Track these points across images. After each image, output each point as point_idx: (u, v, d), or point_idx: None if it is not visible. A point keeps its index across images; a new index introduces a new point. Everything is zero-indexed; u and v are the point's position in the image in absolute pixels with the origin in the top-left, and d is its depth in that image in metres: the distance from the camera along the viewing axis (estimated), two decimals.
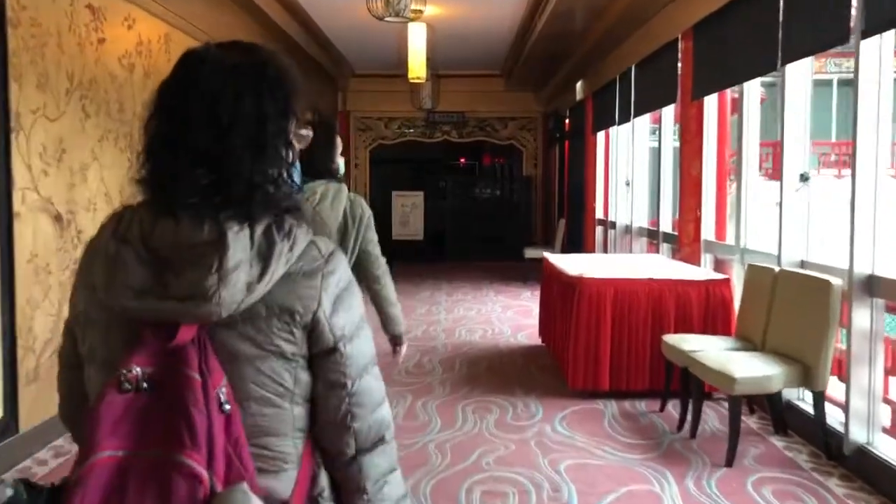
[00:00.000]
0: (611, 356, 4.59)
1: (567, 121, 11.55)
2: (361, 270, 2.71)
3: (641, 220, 7.53)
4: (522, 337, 6.60)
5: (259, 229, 1.00)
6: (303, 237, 1.04)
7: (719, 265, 5.52)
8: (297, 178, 1.22)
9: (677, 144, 5.93)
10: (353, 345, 1.07)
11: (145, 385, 0.93)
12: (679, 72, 5.85)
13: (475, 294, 9.29)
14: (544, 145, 13.60)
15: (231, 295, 0.95)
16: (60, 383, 1.17)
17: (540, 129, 13.62)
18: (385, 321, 2.80)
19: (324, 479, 1.10)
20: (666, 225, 6.67)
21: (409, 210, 13.61)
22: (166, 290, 0.95)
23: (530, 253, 10.52)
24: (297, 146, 1.11)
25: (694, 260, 5.60)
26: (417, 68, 8.66)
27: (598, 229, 9.58)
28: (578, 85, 10.03)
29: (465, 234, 13.44)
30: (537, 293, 9.44)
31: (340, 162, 2.81)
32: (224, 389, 0.96)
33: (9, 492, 0.93)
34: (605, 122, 8.83)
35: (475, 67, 12.89)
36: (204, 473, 0.89)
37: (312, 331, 1.03)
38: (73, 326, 1.10)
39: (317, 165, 2.64)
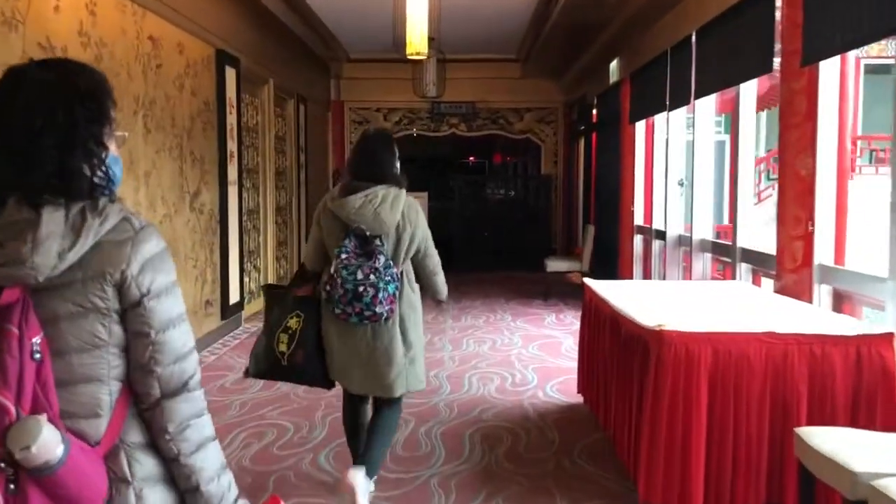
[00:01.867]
0: (708, 456, 2.95)
1: (595, 110, 9.89)
2: (417, 266, 3.09)
3: (704, 231, 5.86)
4: (554, 391, 4.95)
5: (74, 209, 1.20)
6: (115, 214, 1.23)
7: (841, 302, 3.86)
8: (120, 174, 1.34)
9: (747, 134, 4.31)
10: (158, 301, 1.24)
11: None
12: (778, 27, 4.20)
13: (488, 317, 7.64)
14: (566, 139, 11.93)
15: (44, 261, 1.15)
16: None
17: (561, 120, 11.96)
18: (431, 296, 3.21)
19: (137, 427, 1.26)
20: (745, 239, 5.00)
21: None
22: None
23: (554, 265, 8.87)
24: (113, 145, 1.32)
25: (802, 293, 3.94)
26: (417, 42, 7.02)
27: (637, 239, 7.92)
28: (612, 66, 8.36)
29: (474, 241, 11.76)
30: (563, 317, 7.86)
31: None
32: (38, 340, 1.15)
33: None
34: (649, 108, 7.16)
35: (486, 51, 11.25)
36: (10, 406, 1.09)
37: (121, 287, 1.22)
38: None
39: (380, 171, 3.01)
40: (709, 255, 5.82)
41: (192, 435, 1.27)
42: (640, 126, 7.88)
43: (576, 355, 5.64)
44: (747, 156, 5.08)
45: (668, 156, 6.69)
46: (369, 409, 3.23)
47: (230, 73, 6.60)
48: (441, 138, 12.42)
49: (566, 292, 9.18)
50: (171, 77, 5.44)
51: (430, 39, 7.48)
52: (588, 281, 4.45)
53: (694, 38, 5.67)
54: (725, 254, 5.42)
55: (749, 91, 5.05)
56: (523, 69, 11.60)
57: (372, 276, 2.83)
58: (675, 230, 6.51)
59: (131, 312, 1.23)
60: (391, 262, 2.92)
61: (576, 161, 11.70)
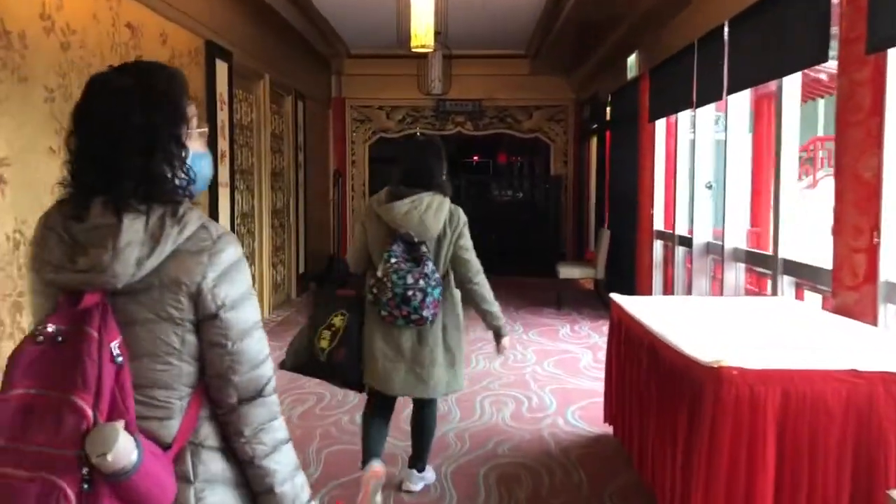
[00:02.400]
0: None
1: (608, 108, 9.39)
2: (456, 272, 3.14)
3: (737, 238, 5.36)
4: (576, 417, 4.45)
5: (154, 216, 1.22)
6: (193, 222, 1.24)
7: None
8: (207, 170, 1.39)
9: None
10: (234, 312, 1.26)
11: (59, 339, 1.15)
12: (835, 11, 3.70)
13: None
14: (576, 138, 11.43)
15: (123, 268, 1.18)
16: None
17: (571, 119, 11.46)
18: (483, 318, 3.24)
19: (206, 429, 1.29)
20: (788, 248, 4.51)
21: None
22: (75, 266, 1.19)
23: (566, 272, 8.37)
24: (197, 142, 1.35)
25: (864, 313, 3.44)
26: (423, 34, 6.54)
27: (657, 245, 7.42)
28: (630, 60, 7.86)
29: (480, 244, 11.11)
30: (579, 328, 7.32)
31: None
32: (117, 344, 1.16)
33: None
34: (672, 105, 6.67)
35: (494, 46, 10.77)
36: (88, 410, 1.10)
37: (196, 299, 1.23)
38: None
39: (427, 179, 3.06)
40: (742, 266, 5.32)
41: (267, 438, 1.31)
42: (661, 124, 7.39)
43: (596, 374, 5.16)
44: (790, 156, 4.57)
45: (695, 156, 6.19)
46: (386, 429, 3.29)
47: (221, 67, 6.11)
48: (446, 137, 11.92)
49: (579, 300, 8.69)
50: None
51: (436, 34, 7.00)
52: (617, 298, 3.95)
53: (727, 28, 5.17)
54: (763, 264, 4.93)
55: (793, 84, 4.55)
56: (532, 65, 11.10)
57: (421, 282, 2.92)
58: (702, 237, 6.01)
59: (207, 324, 1.25)
60: (436, 268, 3.00)
61: (587, 161, 11.21)
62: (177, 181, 1.26)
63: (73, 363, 1.12)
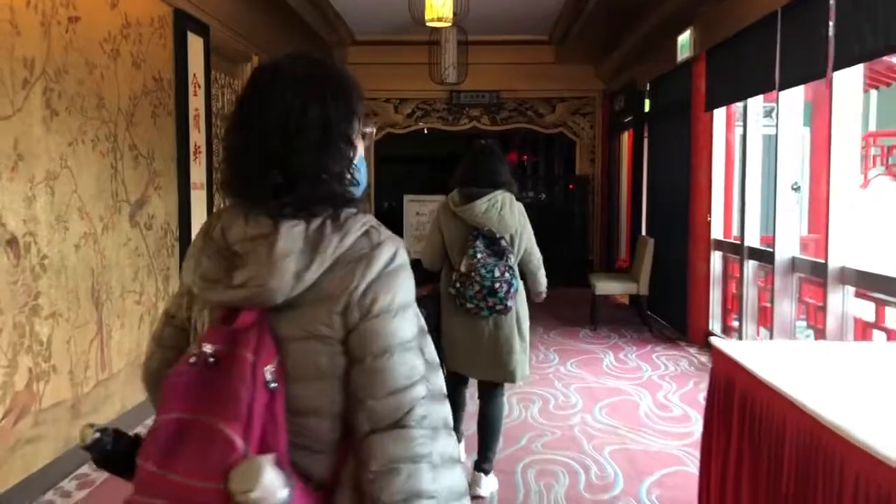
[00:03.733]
0: None
1: (647, 98, 8.25)
2: (526, 264, 3.33)
3: (844, 254, 4.20)
4: (654, 500, 3.32)
5: (315, 223, 1.10)
6: (356, 229, 1.11)
7: None
8: (362, 175, 1.22)
9: None
10: (379, 323, 1.09)
11: (211, 360, 1.05)
12: None
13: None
14: (605, 134, 10.29)
15: (280, 283, 1.05)
16: (149, 357, 1.30)
17: (599, 112, 10.31)
18: (531, 293, 3.42)
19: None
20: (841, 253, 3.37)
21: (427, 220, 10.30)
22: (231, 281, 1.07)
23: (605, 287, 7.21)
24: (363, 144, 1.21)
25: None
26: (439, 5, 5.45)
27: (716, 257, 6.30)
28: (682, 39, 6.71)
29: None
30: (625, 357, 6.02)
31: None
32: (272, 368, 1.05)
33: (93, 435, 1.10)
34: (740, 89, 5.53)
35: (514, 31, 9.67)
36: (238, 442, 0.99)
37: (344, 311, 1.09)
38: (174, 308, 1.27)
39: (497, 178, 3.27)
40: (849, 289, 4.18)
41: (399, 482, 1.06)
42: (719, 115, 6.25)
43: (664, 427, 4.09)
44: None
45: (776, 152, 5.05)
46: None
47: (195, 42, 5.00)
48: (460, 133, 10.81)
49: (616, 318, 7.56)
50: (97, 38, 3.85)
51: (454, 14, 5.92)
52: (722, 345, 2.81)
53: None
54: (889, 289, 3.79)
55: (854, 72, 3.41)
56: (557, 53, 9.98)
57: (507, 274, 3.12)
58: (787, 250, 4.87)
59: (350, 337, 1.10)
60: (515, 261, 3.21)
61: (617, 159, 10.07)
62: (342, 184, 1.14)
63: (224, 388, 1.03)
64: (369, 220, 1.14)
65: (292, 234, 1.08)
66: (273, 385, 1.05)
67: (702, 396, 3.88)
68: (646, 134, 8.41)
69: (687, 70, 6.61)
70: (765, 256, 5.19)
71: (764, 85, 5.02)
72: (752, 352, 2.70)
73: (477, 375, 3.37)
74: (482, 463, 3.32)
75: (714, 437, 2.79)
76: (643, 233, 8.23)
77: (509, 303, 3.15)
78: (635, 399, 4.83)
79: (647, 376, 5.41)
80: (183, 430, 1.03)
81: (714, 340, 2.88)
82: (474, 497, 3.12)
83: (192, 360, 1.07)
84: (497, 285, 3.10)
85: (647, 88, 8.21)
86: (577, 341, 6.62)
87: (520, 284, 3.25)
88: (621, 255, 10.02)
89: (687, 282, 6.56)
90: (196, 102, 5.04)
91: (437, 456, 1.11)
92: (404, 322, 1.12)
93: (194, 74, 5.01)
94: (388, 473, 1.06)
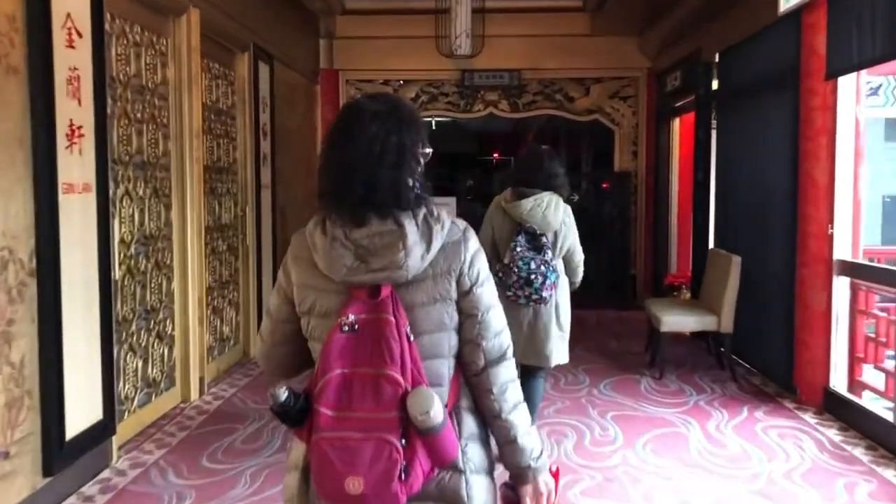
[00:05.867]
0: None
1: (716, 72, 6.42)
2: (568, 262, 3.71)
3: None
4: None
5: (419, 218, 1.45)
6: (447, 220, 1.49)
7: None
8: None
9: None
10: (482, 289, 1.49)
11: (356, 327, 1.38)
12: None
13: (573, 422, 4.26)
14: (650, 120, 8.45)
15: (413, 264, 1.41)
16: (266, 349, 1.62)
17: (643, 94, 8.47)
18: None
19: (465, 398, 1.52)
20: None
21: None
22: (369, 266, 1.40)
23: (674, 322, 5.36)
24: (423, 161, 1.53)
25: None
26: None
27: (840, 284, 4.48)
28: None
29: None
30: (715, 426, 4.20)
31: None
32: (408, 327, 1.40)
33: (284, 395, 1.38)
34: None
35: None
36: (401, 380, 1.34)
37: (459, 279, 1.47)
38: (279, 305, 1.57)
39: (548, 181, 3.63)
40: None
41: (510, 396, 1.50)
42: (848, 83, 4.42)
43: None
44: None
45: None
46: None
47: None
48: (474, 121, 9.03)
49: (678, 356, 5.77)
50: None
51: None
52: None
53: None
54: None
55: None
56: (592, 23, 8.19)
57: (542, 267, 3.49)
58: None
59: (464, 299, 1.47)
60: (554, 256, 3.57)
61: (666, 151, 8.23)
62: (416, 191, 1.46)
63: (378, 344, 1.35)
64: (446, 213, 1.51)
65: (412, 228, 1.42)
66: (411, 337, 1.39)
67: None
68: (714, 119, 6.57)
69: (790, 26, 4.78)
70: None
71: None
72: None
73: (518, 360, 3.35)
74: None
75: None
76: (711, 244, 6.39)
77: (545, 293, 3.48)
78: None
79: (764, 472, 3.58)
80: (347, 380, 1.36)
81: None
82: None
83: (345, 328, 1.37)
84: (532, 276, 3.46)
85: (717, 60, 6.38)
86: (640, 399, 4.80)
87: (559, 278, 3.60)
88: (671, 269, 8.19)
89: (794, 317, 4.73)
90: (74, 58, 3.24)
91: None
92: (492, 286, 1.54)
93: (70, 15, 3.21)
94: (504, 392, 1.49)
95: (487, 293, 1.49)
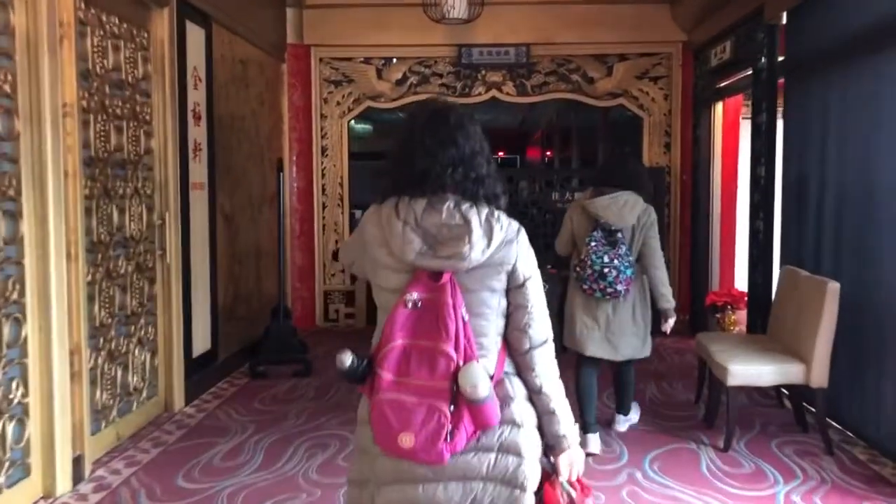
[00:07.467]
0: None
1: (786, 38, 4.96)
2: (644, 259, 3.78)
3: None
4: None
5: (483, 216, 1.63)
6: (504, 218, 1.66)
7: None
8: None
9: None
10: (533, 282, 1.69)
11: (419, 304, 1.59)
12: None
13: None
14: (686, 106, 6.99)
15: (475, 256, 1.59)
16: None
17: (678, 74, 7.01)
18: (656, 298, 3.81)
19: (509, 365, 1.70)
20: None
21: None
22: (436, 253, 1.60)
23: (743, 372, 3.89)
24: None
25: None
26: None
27: None
28: None
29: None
30: None
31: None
32: (464, 308, 1.59)
33: (349, 360, 1.59)
34: None
35: None
36: (454, 354, 1.55)
37: (511, 274, 1.66)
38: (351, 263, 1.87)
39: (628, 181, 3.77)
40: None
41: (550, 373, 1.70)
42: None
43: None
44: None
45: None
46: (595, 382, 3.92)
47: None
48: (474, 107, 7.55)
49: (743, 415, 4.30)
50: None
51: None
52: None
53: None
54: None
55: None
56: None
57: (616, 261, 3.62)
58: None
59: (516, 291, 1.67)
60: (629, 251, 3.70)
61: (707, 142, 6.77)
62: (493, 186, 1.67)
63: (436, 321, 1.56)
64: (505, 215, 1.68)
65: (477, 225, 1.60)
66: (466, 318, 1.59)
67: None
68: (780, 99, 5.12)
69: None
70: None
71: None
72: None
73: (593, 352, 3.77)
74: (620, 408, 4.10)
75: None
76: (778, 262, 4.94)
77: (619, 287, 3.62)
78: None
79: None
80: (407, 351, 1.57)
81: None
82: (587, 454, 3.48)
83: (409, 304, 1.59)
84: (606, 270, 3.61)
85: (784, 23, 4.93)
86: (706, 488, 3.36)
87: (634, 274, 3.69)
88: (712, 285, 6.73)
89: None
90: None
91: None
92: (539, 281, 1.71)
93: None
94: (545, 371, 1.69)
95: (537, 287, 1.70)
